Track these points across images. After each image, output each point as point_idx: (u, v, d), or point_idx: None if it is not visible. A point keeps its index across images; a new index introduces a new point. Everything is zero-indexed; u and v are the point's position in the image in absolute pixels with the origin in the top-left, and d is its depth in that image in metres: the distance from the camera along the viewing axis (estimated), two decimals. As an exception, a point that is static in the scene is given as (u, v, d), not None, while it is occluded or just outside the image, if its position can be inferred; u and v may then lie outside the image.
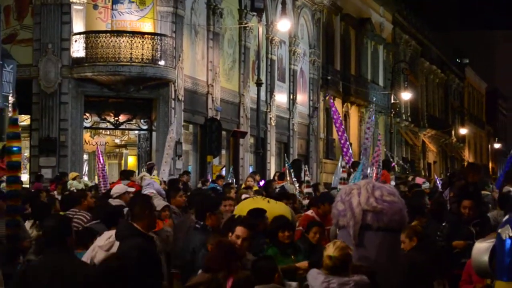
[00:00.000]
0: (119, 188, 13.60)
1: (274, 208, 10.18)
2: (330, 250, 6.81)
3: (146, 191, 17.71)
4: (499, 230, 4.38)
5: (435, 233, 11.08)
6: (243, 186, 19.88)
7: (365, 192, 9.27)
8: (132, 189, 14.17)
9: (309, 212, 12.28)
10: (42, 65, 27.60)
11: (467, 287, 9.36)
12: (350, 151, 22.19)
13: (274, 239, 8.91)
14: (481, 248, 5.00)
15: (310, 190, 17.67)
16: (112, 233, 8.52)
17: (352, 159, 22.15)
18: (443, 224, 11.17)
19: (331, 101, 24.58)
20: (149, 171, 21.26)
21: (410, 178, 25.34)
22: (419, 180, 22.81)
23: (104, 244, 8.42)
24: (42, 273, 7.05)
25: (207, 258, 7.39)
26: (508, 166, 19.51)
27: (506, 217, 4.49)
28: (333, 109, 23.58)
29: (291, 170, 21.23)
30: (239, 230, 8.33)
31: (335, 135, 47.33)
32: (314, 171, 42.75)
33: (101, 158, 21.44)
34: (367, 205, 9.16)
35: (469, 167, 15.41)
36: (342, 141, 21.83)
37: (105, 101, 28.66)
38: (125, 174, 20.68)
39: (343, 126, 22.63)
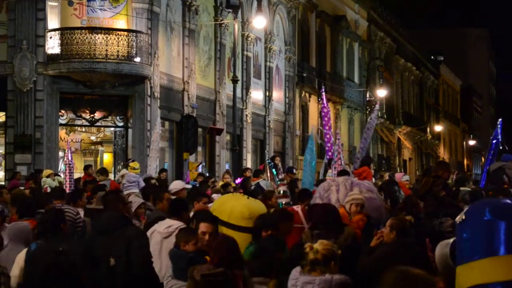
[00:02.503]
0: (177, 184, 13.81)
1: (254, 204, 10.22)
2: (317, 244, 6.79)
3: (129, 190, 17.78)
4: (456, 219, 4.52)
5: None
6: (220, 183, 19.83)
7: (343, 188, 9.34)
8: (189, 186, 14.36)
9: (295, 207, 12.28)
10: (17, 62, 27.45)
11: None
12: (333, 147, 21.95)
13: (258, 238, 8.90)
14: (443, 244, 5.11)
15: (285, 188, 17.67)
16: (173, 222, 9.07)
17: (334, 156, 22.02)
18: (443, 218, 10.97)
19: (323, 96, 24.35)
20: (130, 168, 21.19)
21: (386, 175, 25.31)
22: (398, 175, 22.80)
23: (163, 232, 9.00)
24: (44, 256, 7.53)
25: (216, 254, 7.28)
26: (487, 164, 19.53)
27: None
28: (324, 104, 23.38)
29: (271, 166, 21.13)
30: (204, 226, 8.34)
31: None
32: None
33: (69, 154, 21.19)
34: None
35: (440, 164, 15.56)
36: (328, 137, 21.63)
37: (80, 98, 28.56)
38: (104, 172, 20.75)
39: (330, 122, 22.46)
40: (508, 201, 4.43)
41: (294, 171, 24.13)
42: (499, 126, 18.95)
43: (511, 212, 4.27)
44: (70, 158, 20.58)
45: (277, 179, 19.20)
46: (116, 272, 7.84)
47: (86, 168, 22.62)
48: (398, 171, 47.94)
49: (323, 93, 23.89)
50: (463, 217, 4.36)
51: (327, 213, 9.23)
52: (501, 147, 20.39)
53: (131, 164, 21.31)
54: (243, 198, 10.48)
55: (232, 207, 9.60)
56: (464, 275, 4.27)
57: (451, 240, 4.86)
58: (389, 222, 8.63)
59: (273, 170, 19.93)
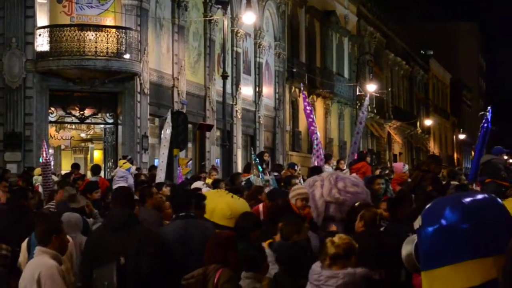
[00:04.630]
0: (197, 184, 13.95)
1: (237, 204, 10.24)
2: (335, 238, 6.83)
3: (118, 184, 17.82)
4: (414, 223, 4.48)
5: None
6: (207, 180, 19.82)
7: (327, 183, 9.37)
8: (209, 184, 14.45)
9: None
10: (6, 59, 27.42)
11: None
12: (320, 147, 21.90)
13: (245, 237, 8.92)
14: (409, 240, 5.09)
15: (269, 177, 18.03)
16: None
17: (323, 153, 22.05)
18: None
19: (304, 95, 24.28)
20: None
21: (378, 171, 25.18)
22: (399, 165, 22.75)
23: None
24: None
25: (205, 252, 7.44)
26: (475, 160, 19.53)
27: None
28: (305, 103, 23.24)
29: (257, 162, 21.17)
30: None
31: (301, 127, 47.54)
32: (281, 163, 42.81)
33: (44, 152, 20.94)
34: (330, 196, 9.28)
35: (431, 158, 15.56)
36: (314, 136, 21.40)
37: (70, 95, 28.55)
38: (96, 170, 20.82)
39: (314, 123, 22.29)
40: (468, 198, 4.36)
41: (296, 167, 24.20)
42: (488, 113, 18.84)
43: (469, 214, 4.22)
44: (46, 156, 20.41)
45: (262, 176, 19.28)
46: (125, 271, 7.86)
47: (75, 166, 22.66)
48: (389, 165, 47.94)
49: (304, 93, 23.81)
50: (420, 223, 4.31)
51: (277, 210, 9.42)
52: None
53: (119, 161, 21.43)
54: (227, 196, 10.44)
55: (215, 205, 9.58)
56: (427, 282, 4.27)
57: (416, 237, 4.81)
58: (361, 213, 8.75)
59: (259, 166, 20.00)
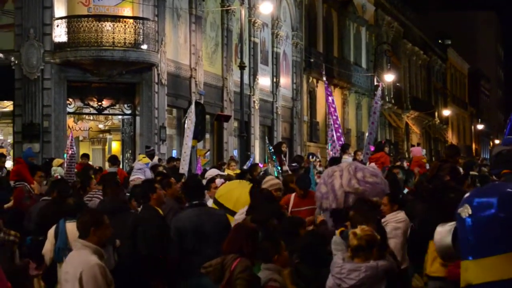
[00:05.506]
0: (211, 171, 14.02)
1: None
2: (357, 230, 6.79)
3: (135, 175, 17.87)
4: (459, 210, 4.40)
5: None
6: (227, 171, 19.81)
7: (347, 174, 9.31)
8: (225, 173, 14.45)
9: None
10: (24, 50, 27.46)
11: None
12: (342, 137, 21.91)
13: (262, 226, 8.91)
14: (443, 232, 5.02)
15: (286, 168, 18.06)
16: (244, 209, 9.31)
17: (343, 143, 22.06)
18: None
19: (326, 85, 24.27)
20: (150, 158, 21.20)
21: (398, 163, 25.02)
22: (417, 149, 22.58)
23: (239, 218, 9.17)
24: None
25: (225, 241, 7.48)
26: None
27: (466, 196, 4.51)
28: (327, 92, 23.29)
29: (272, 153, 21.20)
30: None
31: (318, 118, 47.46)
32: (300, 154, 42.75)
33: (71, 144, 20.92)
34: (349, 187, 9.22)
35: (451, 148, 15.43)
36: (336, 126, 21.47)
37: (88, 86, 28.58)
38: (114, 160, 20.88)
39: (336, 113, 22.29)
40: None
41: (316, 157, 24.16)
42: None
43: None
44: (73, 150, 20.45)
45: (277, 166, 19.33)
46: (121, 252, 8.06)
47: (85, 156, 22.73)
48: (406, 156, 47.75)
49: (326, 84, 23.80)
50: (470, 211, 4.25)
51: (261, 198, 9.47)
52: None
53: (138, 156, 21.46)
54: (249, 186, 10.47)
55: (239, 195, 9.60)
56: (474, 271, 4.19)
57: (450, 227, 4.76)
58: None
59: (273, 157, 20.08)
